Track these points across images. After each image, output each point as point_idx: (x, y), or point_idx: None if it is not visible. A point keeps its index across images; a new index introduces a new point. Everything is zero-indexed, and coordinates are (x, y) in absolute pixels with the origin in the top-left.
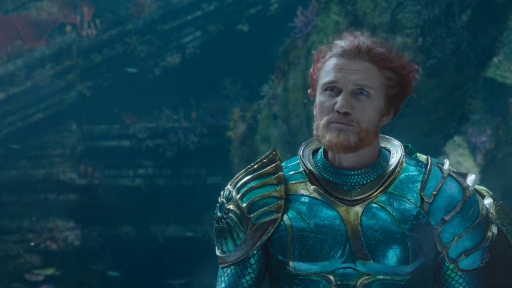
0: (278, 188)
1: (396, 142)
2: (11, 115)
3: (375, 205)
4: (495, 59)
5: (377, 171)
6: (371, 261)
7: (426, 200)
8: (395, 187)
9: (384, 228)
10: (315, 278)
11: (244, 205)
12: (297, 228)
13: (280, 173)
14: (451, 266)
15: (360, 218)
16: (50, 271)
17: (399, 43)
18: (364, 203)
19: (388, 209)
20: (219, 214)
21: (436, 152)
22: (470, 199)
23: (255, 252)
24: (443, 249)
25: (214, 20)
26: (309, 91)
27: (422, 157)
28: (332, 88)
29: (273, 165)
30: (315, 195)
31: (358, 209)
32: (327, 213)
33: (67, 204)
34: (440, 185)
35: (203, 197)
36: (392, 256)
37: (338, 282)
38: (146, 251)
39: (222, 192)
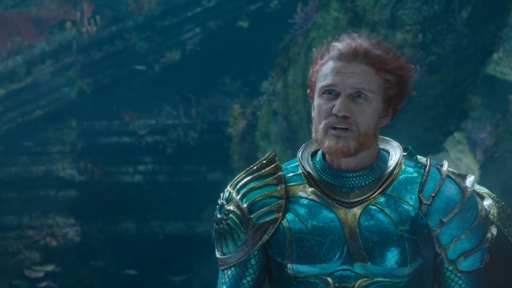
0: (278, 188)
1: (395, 144)
2: (11, 111)
3: (373, 207)
4: (495, 56)
5: (376, 172)
6: (369, 263)
7: (424, 202)
8: (394, 188)
9: (382, 230)
10: (313, 280)
11: (245, 205)
12: (295, 230)
13: (280, 173)
14: (451, 268)
15: (358, 220)
16: (50, 268)
17: (399, 39)
18: (362, 205)
19: (386, 211)
20: (219, 216)
21: (436, 148)
22: (468, 201)
23: (255, 252)
24: (441, 251)
25: (214, 16)
26: (308, 91)
27: (423, 159)
28: (330, 91)
29: (273, 165)
30: (313, 197)
31: (356, 211)
32: (325, 215)
33: (67, 201)
34: (438, 187)
35: (203, 193)
36: (390, 258)
37: (336, 284)
38: (146, 248)
39: (222, 194)
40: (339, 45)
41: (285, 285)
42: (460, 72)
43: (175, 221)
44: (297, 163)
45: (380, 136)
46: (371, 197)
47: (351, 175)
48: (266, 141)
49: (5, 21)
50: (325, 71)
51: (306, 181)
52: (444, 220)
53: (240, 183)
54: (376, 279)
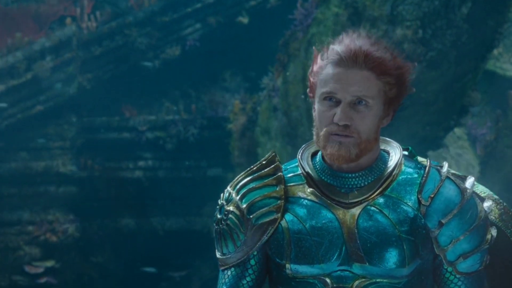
0: (277, 189)
1: (395, 144)
2: (11, 107)
3: (372, 208)
4: (495, 51)
5: (375, 173)
6: (367, 263)
7: (423, 203)
8: (393, 189)
9: (380, 231)
10: (311, 281)
11: (244, 206)
12: (293, 230)
13: (280, 173)
14: (450, 269)
15: (357, 221)
16: (50, 263)
17: (399, 35)
18: (361, 206)
19: (384, 211)
20: (218, 216)
21: (436, 144)
22: (468, 202)
23: (255, 253)
24: (440, 252)
25: (214, 12)
26: (307, 90)
27: (423, 160)
28: (331, 98)
29: (272, 166)
30: (312, 197)
31: (355, 211)
32: (324, 216)
33: (67, 197)
34: (437, 188)
35: (203, 189)
36: (388, 258)
37: (334, 285)
38: (146, 244)
39: (221, 194)
40: (338, 48)
41: (284, 285)
42: (460, 67)
43: (175, 217)
44: (297, 164)
45: (380, 137)
46: (370, 197)
47: (350, 175)
48: (266, 136)
49: (5, 16)
50: (325, 76)
51: (305, 181)
52: (443, 221)
53: (240, 184)
54: (374, 280)
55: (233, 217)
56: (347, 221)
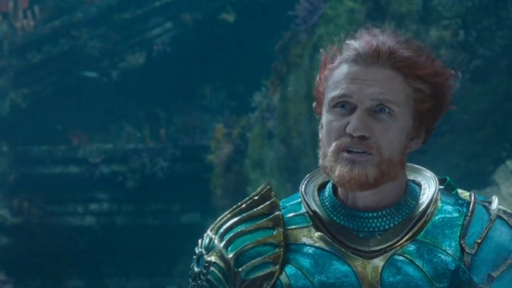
0: (275, 233)
1: (429, 174)
2: None
3: (400, 258)
4: None
5: (403, 212)
6: None
7: (467, 251)
8: (427, 233)
9: None
10: None
11: (230, 255)
12: None
13: (277, 213)
14: None
15: (381, 275)
16: None
17: (434, 37)
18: (386, 255)
19: (417, 262)
20: (196, 269)
21: (483, 181)
22: None
23: None
24: None
25: (189, 7)
26: (314, 105)
27: (465, 194)
28: (344, 104)
29: (268, 203)
30: (321, 244)
31: (378, 262)
32: (336, 269)
33: None
34: (486, 231)
35: (175, 241)
36: None
37: None
38: None
39: (200, 241)
40: (356, 44)
41: None
42: None
43: (139, 277)
44: (299, 200)
45: (409, 164)
46: (398, 244)
47: (371, 215)
48: (259, 171)
49: None
50: (336, 77)
51: (311, 223)
52: (494, 274)
53: (225, 226)
54: None
55: (216, 271)
56: (367, 276)
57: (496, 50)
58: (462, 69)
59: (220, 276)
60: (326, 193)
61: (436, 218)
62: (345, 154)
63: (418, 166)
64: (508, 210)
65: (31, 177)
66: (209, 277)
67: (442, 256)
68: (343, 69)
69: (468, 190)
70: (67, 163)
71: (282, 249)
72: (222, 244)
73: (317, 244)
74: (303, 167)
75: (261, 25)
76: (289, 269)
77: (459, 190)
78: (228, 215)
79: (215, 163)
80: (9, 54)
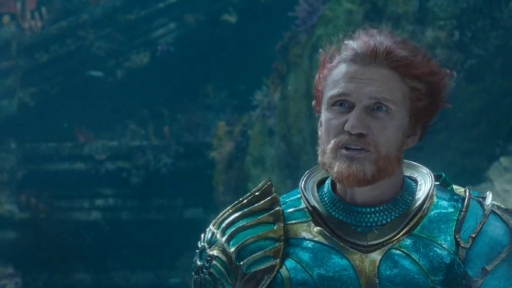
0: (275, 227)
1: (425, 170)
2: None
3: (397, 252)
4: None
5: (400, 207)
6: None
7: (462, 245)
8: (423, 228)
9: (408, 281)
10: None
11: (232, 249)
12: (297, 281)
13: (278, 208)
14: None
15: (378, 268)
16: None
17: (430, 38)
18: (383, 249)
19: (413, 256)
20: (199, 263)
21: (477, 177)
22: None
23: None
24: None
25: (192, 8)
26: (313, 103)
27: (460, 190)
28: (342, 103)
29: (268, 198)
30: (320, 238)
31: (376, 256)
32: (335, 262)
33: (4, 245)
34: (480, 226)
35: (178, 235)
36: None
37: None
38: None
39: (202, 235)
40: (354, 44)
41: None
42: (508, 80)
43: (143, 271)
44: (299, 196)
45: (406, 161)
46: (395, 238)
47: (368, 210)
48: (260, 168)
49: None
50: (335, 76)
51: (310, 218)
52: (488, 268)
53: (226, 221)
54: None
55: (218, 264)
56: (365, 269)
57: (490, 50)
58: (457, 68)
59: (222, 269)
60: (325, 189)
61: (432, 213)
62: (344, 151)
63: (415, 163)
64: (502, 206)
65: (38, 173)
66: (212, 270)
67: (438, 250)
68: (342, 68)
69: (463, 186)
70: (73, 160)
71: (282, 243)
72: (224, 239)
73: (316, 239)
74: (302, 164)
75: (262, 26)
76: (289, 263)
77: (454, 186)
78: (230, 210)
79: (217, 159)
80: (17, 54)
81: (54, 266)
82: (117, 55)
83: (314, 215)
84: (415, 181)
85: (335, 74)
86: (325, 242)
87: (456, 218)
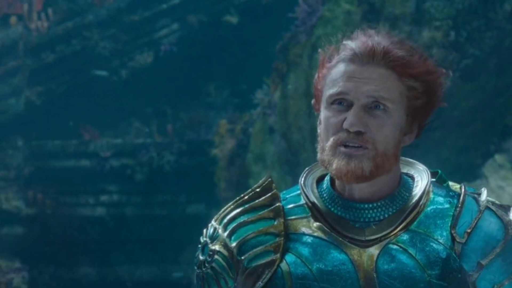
0: (275, 223)
1: (421, 167)
2: None
3: (394, 246)
4: None
5: (397, 203)
6: None
7: (458, 240)
8: (420, 223)
9: (405, 275)
10: None
11: (234, 244)
12: (296, 275)
13: (278, 204)
14: None
15: (376, 263)
16: None
17: (426, 38)
18: (381, 244)
19: (410, 251)
20: (201, 258)
21: (472, 174)
22: None
23: None
24: None
25: (195, 9)
26: (312, 102)
27: (455, 186)
28: (341, 101)
29: (269, 195)
30: (319, 234)
31: (373, 251)
32: (334, 257)
33: (11, 239)
34: (475, 221)
35: (181, 230)
36: None
37: None
38: None
39: (205, 230)
40: (352, 44)
41: None
42: (502, 79)
43: (147, 265)
44: (298, 192)
45: (403, 158)
46: (392, 233)
47: (366, 206)
48: (260, 165)
49: None
50: (334, 76)
51: (310, 214)
52: (483, 262)
53: (228, 217)
54: None
55: (220, 259)
56: (363, 264)
57: (485, 50)
58: (453, 68)
59: (224, 264)
60: (324, 185)
61: (428, 209)
62: (342, 149)
63: (411, 160)
64: (497, 202)
65: (45, 170)
66: (214, 265)
67: (434, 245)
68: (340, 68)
69: (459, 182)
70: (79, 157)
71: (282, 238)
72: (225, 234)
73: (315, 234)
74: (302, 161)
75: (263, 26)
76: (289, 257)
77: (450, 183)
78: (232, 206)
79: (219, 157)
80: (24, 54)
81: (60, 260)
82: (121, 55)
83: (314, 211)
84: (412, 178)
85: (334, 73)
86: (324, 237)
87: (452, 213)
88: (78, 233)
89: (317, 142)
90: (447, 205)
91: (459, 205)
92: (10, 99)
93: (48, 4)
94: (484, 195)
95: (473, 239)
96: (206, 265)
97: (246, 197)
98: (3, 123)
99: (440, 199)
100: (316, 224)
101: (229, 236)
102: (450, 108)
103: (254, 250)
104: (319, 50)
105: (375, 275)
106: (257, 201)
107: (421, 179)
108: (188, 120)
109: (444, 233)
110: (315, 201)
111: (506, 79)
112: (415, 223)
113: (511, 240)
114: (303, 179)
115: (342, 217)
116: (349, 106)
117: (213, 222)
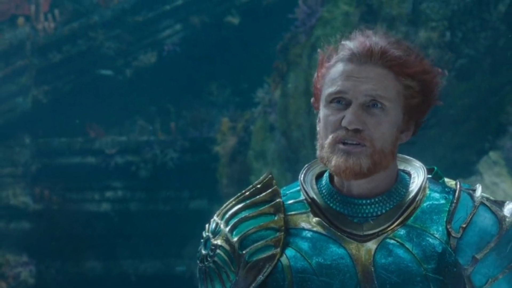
0: (276, 218)
1: (418, 164)
2: None
3: (391, 241)
4: None
5: (394, 199)
6: None
7: (453, 235)
8: (416, 218)
9: (402, 269)
10: None
11: (235, 239)
12: (296, 269)
13: (278, 200)
14: None
15: (373, 257)
16: None
17: (423, 38)
18: (378, 239)
19: (407, 245)
20: (204, 252)
21: (467, 170)
22: (507, 233)
23: None
24: None
25: (197, 10)
26: (312, 100)
27: (451, 182)
28: (339, 100)
29: (269, 191)
30: (318, 229)
31: (371, 245)
32: (333, 251)
33: (19, 234)
34: (470, 216)
35: (184, 225)
36: None
37: None
38: None
39: (207, 225)
40: (350, 44)
41: None
42: (497, 78)
43: (151, 259)
44: (298, 188)
45: (400, 155)
46: (389, 229)
47: (364, 202)
48: (261, 162)
49: None
50: (333, 75)
51: (309, 209)
52: (478, 256)
53: (230, 212)
54: None
55: (222, 253)
56: (361, 258)
57: (480, 50)
58: (448, 67)
59: (226, 258)
60: (323, 182)
61: (425, 204)
62: (341, 146)
63: (408, 157)
64: (491, 198)
65: (51, 167)
66: (216, 259)
67: (430, 239)
68: (339, 67)
69: (454, 179)
70: (84, 154)
71: (282, 233)
72: (227, 229)
73: (315, 229)
74: (302, 158)
75: (264, 27)
76: (289, 252)
77: (446, 179)
78: (233, 202)
79: (221, 154)
80: (31, 54)
81: (66, 255)
82: (126, 55)
83: (313, 207)
84: (409, 174)
85: (333, 72)
86: (323, 232)
87: (447, 209)
88: (84, 228)
89: (317, 140)
90: (443, 201)
91: (455, 201)
92: (17, 97)
93: (55, 5)
94: (479, 191)
95: (468, 234)
96: (209, 259)
97: (247, 193)
98: (11, 121)
99: (436, 195)
100: (315, 219)
101: (231, 231)
102: (446, 107)
103: (255, 244)
104: (318, 50)
105: (372, 269)
106: (258, 197)
107: (417, 175)
108: (190, 118)
109: (440, 228)
110: (315, 197)
111: (500, 78)
112: (411, 218)
113: (505, 235)
114: (302, 175)
115: (340, 212)
116: (348, 104)
117: (215, 217)
